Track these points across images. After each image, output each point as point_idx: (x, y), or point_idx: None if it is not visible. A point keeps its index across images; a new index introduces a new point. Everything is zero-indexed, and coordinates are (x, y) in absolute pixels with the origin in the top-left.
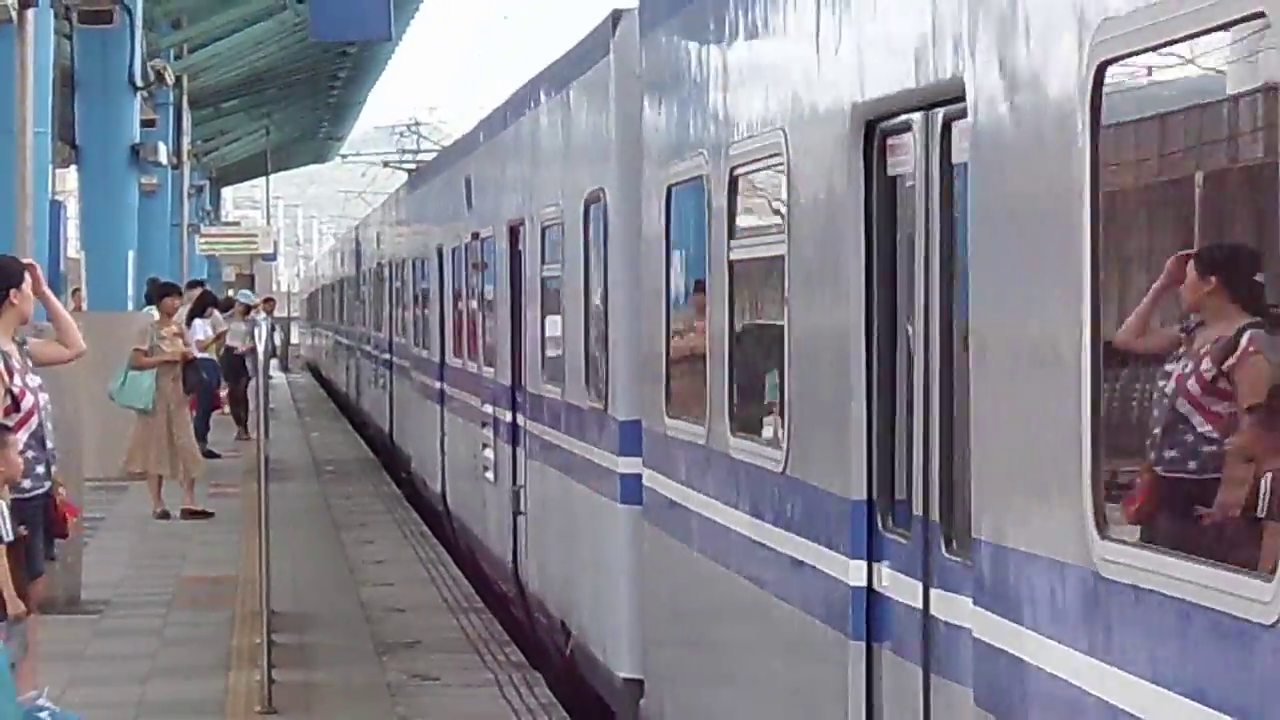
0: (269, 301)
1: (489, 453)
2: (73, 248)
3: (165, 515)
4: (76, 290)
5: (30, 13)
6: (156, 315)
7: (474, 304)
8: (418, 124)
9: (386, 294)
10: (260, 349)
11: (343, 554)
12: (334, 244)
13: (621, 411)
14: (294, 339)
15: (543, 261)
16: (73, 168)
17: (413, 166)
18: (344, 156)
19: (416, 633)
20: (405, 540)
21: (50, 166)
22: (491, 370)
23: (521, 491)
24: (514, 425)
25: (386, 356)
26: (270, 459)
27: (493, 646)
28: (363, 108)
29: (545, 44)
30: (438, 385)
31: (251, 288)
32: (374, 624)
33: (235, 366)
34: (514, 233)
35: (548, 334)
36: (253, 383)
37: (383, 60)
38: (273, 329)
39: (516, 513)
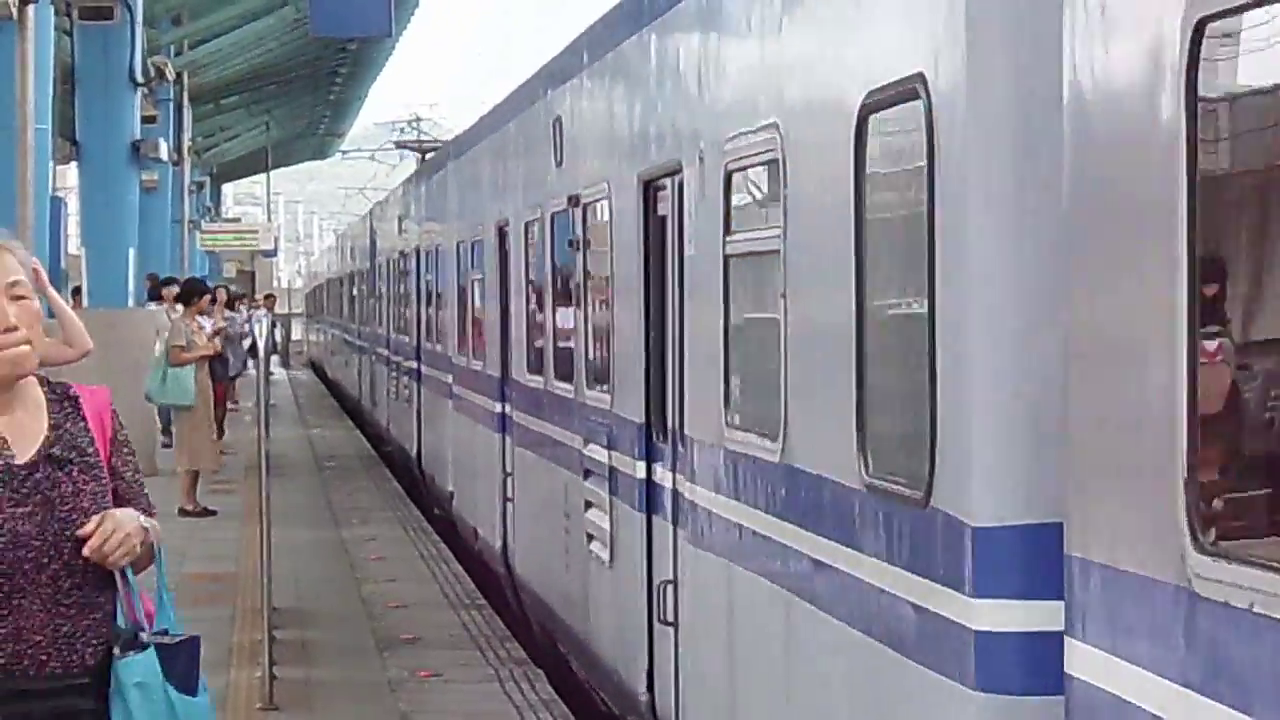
0: (270, 298)
1: (598, 517)
2: (73, 244)
3: (208, 511)
4: (77, 288)
5: (31, 9)
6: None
7: (566, 299)
8: (418, 120)
9: (414, 289)
10: (261, 345)
11: (344, 550)
12: (342, 234)
13: (979, 511)
14: (296, 335)
15: (727, 229)
16: (73, 164)
17: (431, 153)
18: (344, 153)
19: (418, 629)
20: (406, 537)
21: (51, 163)
22: (604, 396)
23: (670, 590)
24: (649, 483)
25: (413, 365)
26: (271, 455)
27: (494, 643)
28: (363, 104)
29: (546, 41)
30: (498, 409)
31: (253, 283)
32: (375, 620)
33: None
34: (649, 189)
35: (737, 347)
36: (237, 380)
37: (383, 57)
38: (274, 325)
39: (658, 619)
